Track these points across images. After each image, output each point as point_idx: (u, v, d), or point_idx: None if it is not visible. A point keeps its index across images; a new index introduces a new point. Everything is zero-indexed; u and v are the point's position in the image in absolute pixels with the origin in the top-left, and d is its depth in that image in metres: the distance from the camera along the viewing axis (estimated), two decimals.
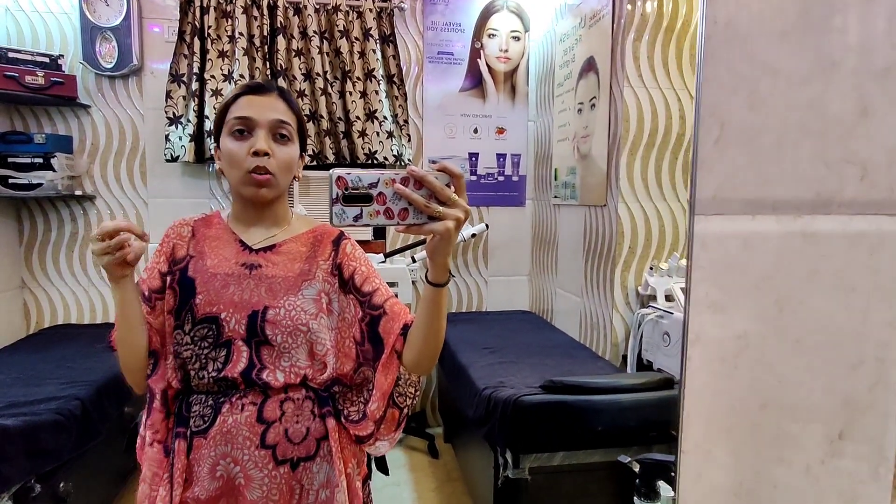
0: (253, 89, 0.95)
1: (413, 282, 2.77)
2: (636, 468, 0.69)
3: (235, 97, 0.94)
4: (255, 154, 0.91)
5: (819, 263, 0.43)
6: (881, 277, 0.44)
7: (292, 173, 0.98)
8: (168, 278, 0.95)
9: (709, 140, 0.40)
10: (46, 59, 2.39)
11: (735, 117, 0.40)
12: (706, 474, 0.44)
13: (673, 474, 0.76)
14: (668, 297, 2.03)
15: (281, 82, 2.59)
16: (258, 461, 0.90)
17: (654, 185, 2.14)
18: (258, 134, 0.92)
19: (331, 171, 0.67)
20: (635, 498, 0.70)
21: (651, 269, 2.14)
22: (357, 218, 0.67)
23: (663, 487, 0.70)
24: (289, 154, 0.95)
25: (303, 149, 1.01)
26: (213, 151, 0.99)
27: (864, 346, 0.45)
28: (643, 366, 2.08)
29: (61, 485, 1.66)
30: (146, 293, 0.95)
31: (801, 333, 0.44)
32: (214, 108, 2.55)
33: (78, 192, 2.52)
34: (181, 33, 2.53)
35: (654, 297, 2.08)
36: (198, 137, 2.57)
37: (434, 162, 3.01)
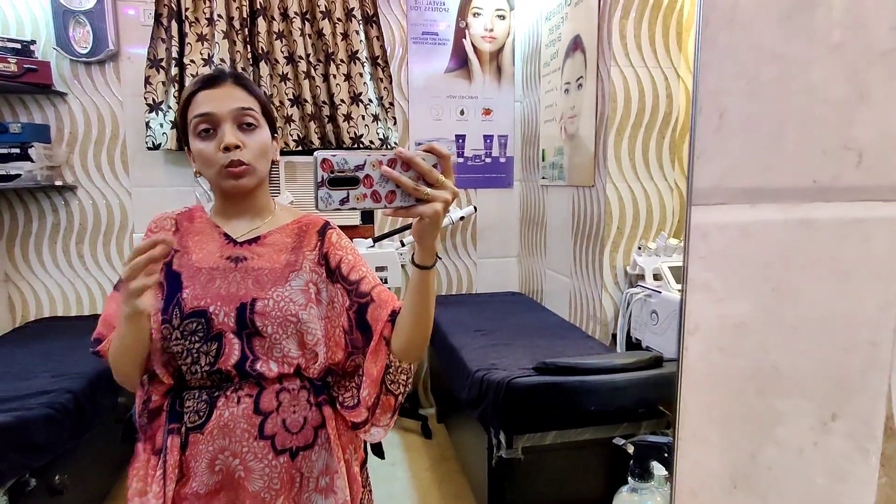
0: (206, 83, 0.92)
1: (402, 265, 2.77)
2: (630, 450, 0.70)
3: (191, 95, 0.92)
4: (226, 149, 0.89)
5: (817, 251, 0.43)
6: (875, 263, 0.44)
7: (269, 158, 0.96)
8: None
9: (708, 129, 0.39)
10: (18, 46, 2.32)
11: (735, 105, 0.39)
12: (703, 460, 0.44)
13: (666, 455, 0.78)
14: (657, 276, 2.05)
15: (263, 66, 2.54)
16: (257, 452, 0.90)
17: (642, 164, 2.14)
18: (224, 128, 0.90)
19: (315, 153, 0.65)
20: (629, 478, 0.72)
21: (639, 248, 2.16)
22: (343, 201, 0.66)
23: (656, 467, 0.72)
24: (259, 140, 0.93)
25: (273, 131, 0.99)
26: (186, 153, 0.97)
27: (858, 331, 0.46)
28: (632, 344, 2.11)
29: (56, 478, 1.65)
30: None
31: (797, 320, 0.44)
32: None
33: (58, 183, 2.47)
34: (158, 16, 2.46)
35: (642, 277, 2.10)
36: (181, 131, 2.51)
37: (421, 144, 2.98)
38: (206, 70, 2.49)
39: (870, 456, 0.49)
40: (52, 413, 1.60)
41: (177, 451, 0.89)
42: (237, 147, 0.89)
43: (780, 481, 0.48)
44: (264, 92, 2.54)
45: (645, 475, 0.69)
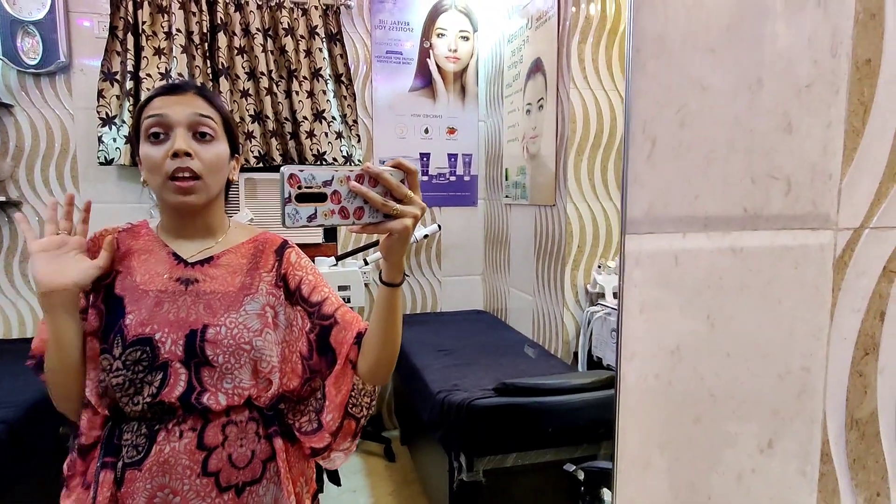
0: (167, 90, 0.87)
1: (366, 284, 2.73)
2: (581, 476, 0.69)
3: (149, 99, 0.87)
4: (175, 156, 0.83)
5: (747, 278, 0.44)
6: (805, 290, 0.45)
7: (223, 175, 0.90)
8: (91, 296, 0.88)
9: (640, 157, 0.39)
10: None
11: (666, 133, 0.40)
12: (642, 488, 0.44)
13: None
14: (616, 295, 2.08)
15: (223, 81, 2.49)
16: (200, 490, 0.84)
17: (601, 184, 2.18)
18: (176, 134, 0.84)
19: (282, 168, 0.63)
20: None
21: (599, 267, 2.19)
22: (311, 218, 0.64)
23: (607, 494, 0.71)
24: (214, 153, 0.87)
25: (234, 149, 0.93)
26: (139, 163, 0.90)
27: (791, 357, 0.46)
28: (593, 362, 2.12)
29: None
30: None
31: (731, 347, 0.44)
32: None
33: (1, 198, 2.35)
34: (113, 29, 2.39)
35: (602, 295, 2.13)
36: (134, 139, 2.44)
37: (386, 162, 2.97)
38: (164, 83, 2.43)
39: (808, 482, 0.50)
40: None
41: (108, 488, 0.83)
42: (187, 154, 0.83)
43: None
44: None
45: (595, 502, 0.69)
